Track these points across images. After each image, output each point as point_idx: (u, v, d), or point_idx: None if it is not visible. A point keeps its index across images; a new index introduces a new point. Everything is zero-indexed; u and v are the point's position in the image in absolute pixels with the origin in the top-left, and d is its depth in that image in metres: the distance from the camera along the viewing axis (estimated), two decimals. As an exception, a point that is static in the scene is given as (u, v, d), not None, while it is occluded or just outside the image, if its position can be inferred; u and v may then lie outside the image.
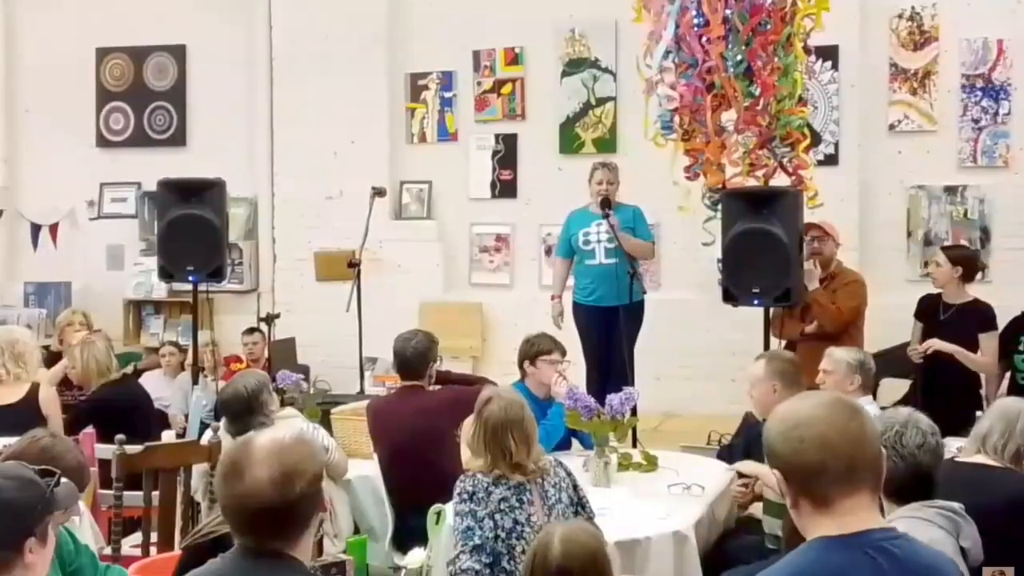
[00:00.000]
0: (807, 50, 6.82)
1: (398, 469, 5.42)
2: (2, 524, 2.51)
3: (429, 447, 5.17)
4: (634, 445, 6.35)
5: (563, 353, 5.87)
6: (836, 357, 5.53)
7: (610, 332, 7.19)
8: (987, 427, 4.00)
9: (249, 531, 2.48)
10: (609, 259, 7.31)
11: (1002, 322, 6.91)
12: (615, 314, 7.11)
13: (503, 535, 3.89)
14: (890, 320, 7.09)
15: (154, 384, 8.47)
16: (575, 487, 4.20)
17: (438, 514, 3.73)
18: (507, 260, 9.20)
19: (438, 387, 5.80)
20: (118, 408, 6.27)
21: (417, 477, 5.15)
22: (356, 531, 5.58)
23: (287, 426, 4.85)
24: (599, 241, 7.36)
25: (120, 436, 4.85)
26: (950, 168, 8.14)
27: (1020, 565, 3.54)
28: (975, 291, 7.11)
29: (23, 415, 5.64)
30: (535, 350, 5.86)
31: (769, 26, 6.39)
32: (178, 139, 10.01)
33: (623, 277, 7.14)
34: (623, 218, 7.28)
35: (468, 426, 4.22)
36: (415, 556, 3.50)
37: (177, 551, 4.15)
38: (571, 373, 6.71)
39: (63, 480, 2.64)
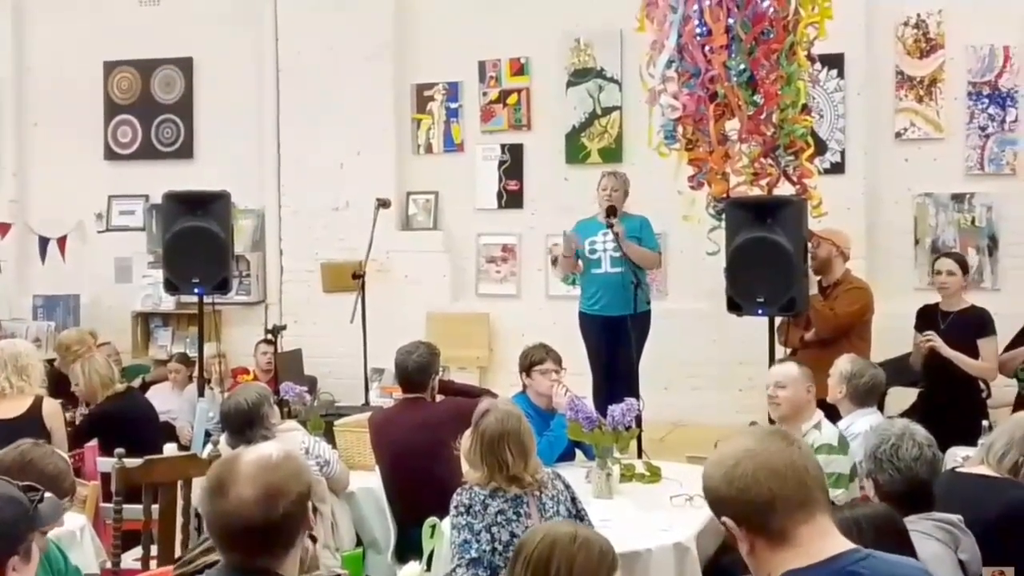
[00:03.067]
0: (811, 58, 6.81)
1: (399, 481, 5.41)
2: None
3: (430, 459, 5.15)
4: (639, 455, 6.33)
5: (557, 361, 5.85)
6: (836, 363, 5.56)
7: (616, 342, 7.18)
8: (993, 438, 3.99)
9: (233, 548, 2.47)
10: (615, 268, 7.29)
11: (1011, 329, 6.90)
12: (621, 323, 7.11)
13: (500, 548, 3.87)
14: (898, 328, 7.05)
15: (162, 397, 8.51)
16: (573, 499, 4.18)
17: (433, 527, 3.72)
18: (514, 270, 9.19)
19: (441, 398, 5.79)
20: (122, 421, 6.28)
21: (418, 489, 5.14)
22: (359, 543, 5.58)
23: (287, 440, 4.85)
24: (604, 250, 7.34)
25: (119, 450, 4.86)
26: (957, 176, 8.09)
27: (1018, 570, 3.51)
28: (982, 298, 7.09)
29: (26, 428, 5.61)
30: (528, 361, 5.86)
31: (772, 35, 6.38)
32: (185, 151, 10.03)
33: (629, 286, 7.12)
34: (630, 227, 7.27)
35: (466, 438, 4.21)
36: (411, 569, 3.48)
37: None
38: (578, 383, 6.73)
39: (47, 496, 2.62)
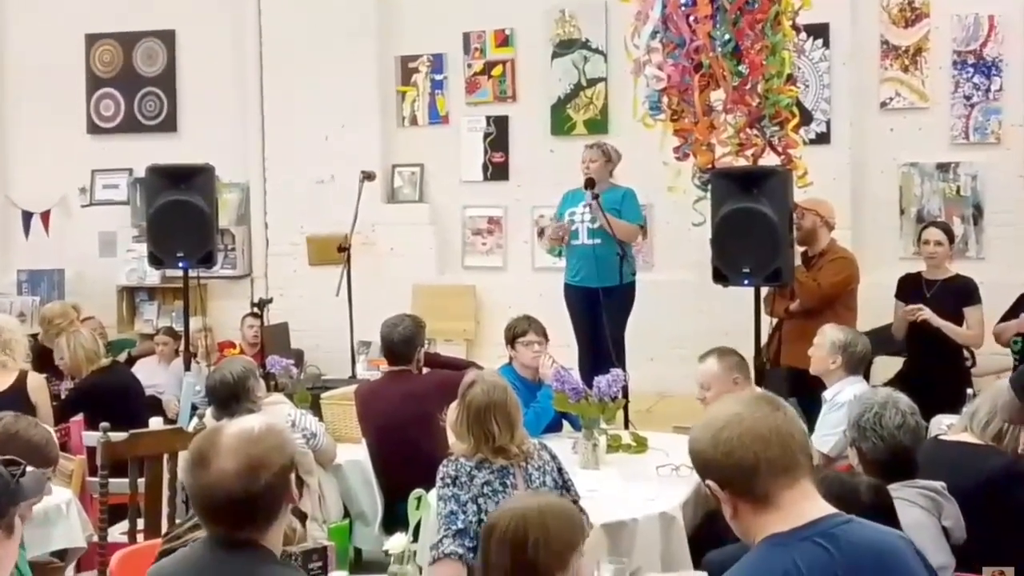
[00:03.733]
0: (796, 28, 6.79)
1: (386, 454, 5.43)
2: None
3: (416, 431, 5.18)
4: (626, 426, 6.35)
5: (541, 333, 5.86)
6: (826, 334, 5.56)
7: (596, 313, 7.17)
8: (976, 405, 4.01)
9: (216, 521, 2.47)
10: (591, 239, 7.25)
11: (996, 298, 6.91)
12: (601, 295, 7.09)
13: (487, 519, 3.87)
14: (883, 298, 7.06)
15: (149, 371, 8.51)
16: (559, 470, 4.20)
17: (419, 499, 3.73)
18: (500, 242, 9.18)
19: (427, 371, 5.80)
20: (107, 394, 6.29)
21: (405, 461, 5.17)
22: (346, 516, 5.60)
23: (272, 413, 4.86)
24: (583, 221, 7.32)
25: (104, 424, 4.85)
26: (942, 145, 8.08)
27: (996, 542, 3.52)
28: (967, 267, 7.12)
29: (11, 403, 5.60)
30: (512, 334, 5.89)
31: (756, 5, 6.36)
32: (169, 125, 9.96)
33: (606, 258, 7.11)
34: (611, 199, 7.23)
35: (452, 410, 4.21)
36: (398, 541, 3.49)
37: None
38: (564, 355, 6.73)
39: (29, 470, 2.61)
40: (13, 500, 2.54)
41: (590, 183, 7.17)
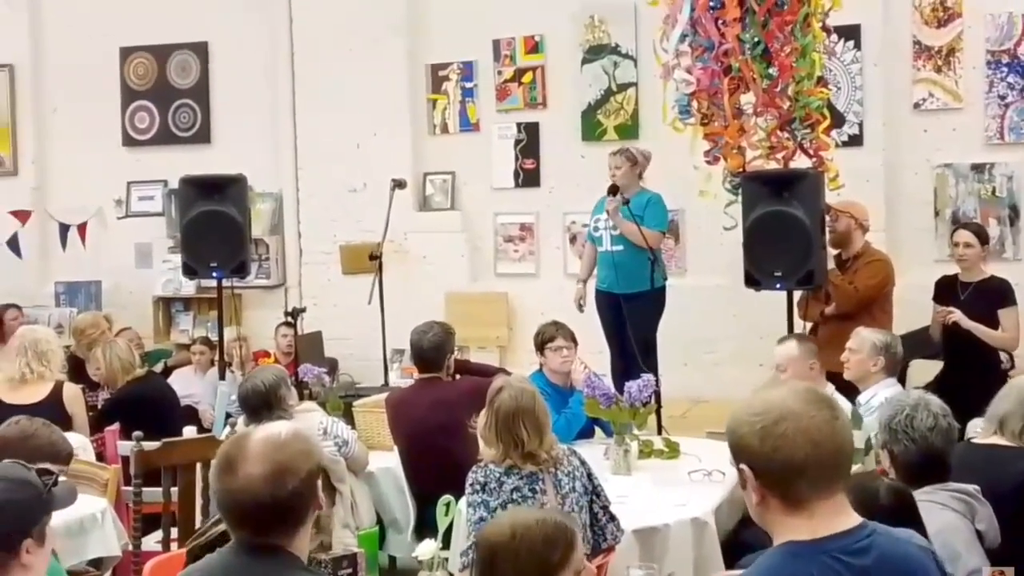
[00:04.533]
0: (826, 30, 6.76)
1: (417, 461, 5.44)
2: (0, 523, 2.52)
3: (446, 438, 5.18)
4: (659, 432, 6.33)
5: (570, 338, 5.85)
6: (863, 336, 5.50)
7: (622, 319, 7.19)
8: (1004, 408, 3.96)
9: (242, 526, 2.49)
10: (614, 246, 7.30)
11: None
12: (626, 301, 7.15)
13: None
14: (918, 301, 7.01)
15: (185, 381, 8.55)
16: (589, 475, 4.18)
17: (447, 505, 3.72)
18: (532, 249, 9.18)
19: (458, 378, 5.79)
20: (142, 404, 6.33)
21: (435, 468, 5.16)
22: (379, 523, 5.60)
23: (304, 421, 4.87)
24: (606, 228, 7.34)
25: (137, 433, 4.88)
26: (977, 146, 8.00)
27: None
28: (1004, 269, 7.04)
29: (47, 413, 5.63)
30: (541, 339, 5.90)
31: (785, 6, 6.33)
32: (203, 136, 10.05)
33: (628, 264, 7.14)
34: (636, 205, 7.22)
35: (482, 416, 4.21)
36: (427, 547, 3.49)
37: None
38: (596, 360, 6.72)
39: (61, 479, 2.64)
40: (46, 509, 2.59)
41: (613, 190, 7.16)
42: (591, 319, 7.50)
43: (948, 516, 3.37)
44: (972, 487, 3.48)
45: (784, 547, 2.20)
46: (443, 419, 5.24)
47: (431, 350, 5.61)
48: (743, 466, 2.23)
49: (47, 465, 2.72)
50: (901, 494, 3.15)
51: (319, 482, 2.54)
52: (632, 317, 7.10)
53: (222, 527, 2.71)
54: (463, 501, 4.15)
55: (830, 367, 6.28)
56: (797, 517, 2.19)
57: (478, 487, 3.94)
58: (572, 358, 5.79)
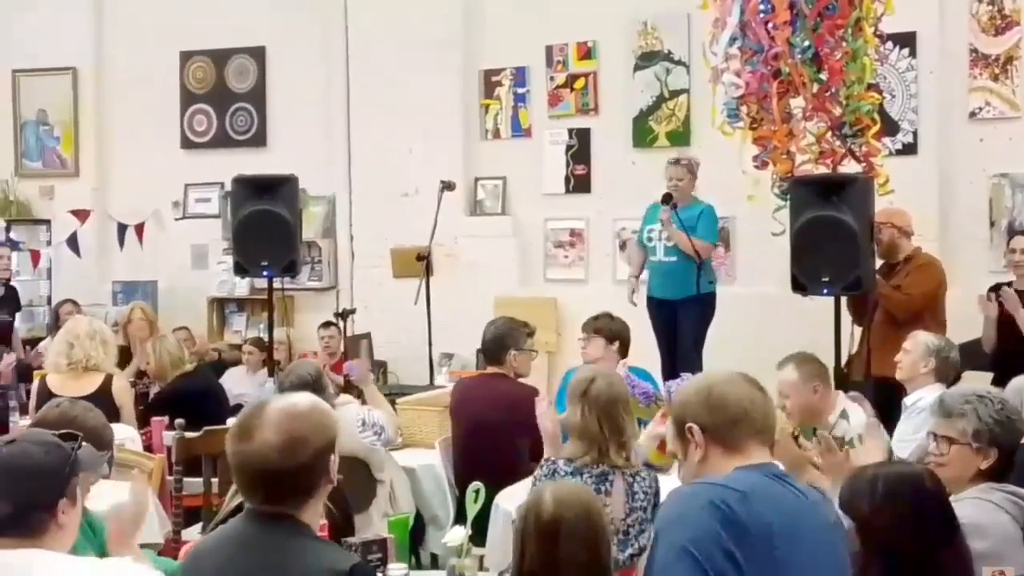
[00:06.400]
0: (880, 36, 6.70)
1: (471, 452, 5.46)
2: (36, 486, 2.61)
3: (505, 435, 5.24)
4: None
5: (594, 330, 5.90)
6: (918, 338, 5.44)
7: (674, 325, 7.29)
8: None
9: (252, 491, 2.54)
10: (668, 256, 7.37)
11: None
12: (678, 307, 7.26)
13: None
14: (972, 312, 6.91)
15: (237, 379, 8.67)
16: (655, 506, 4.00)
17: (476, 492, 3.72)
18: (581, 255, 9.18)
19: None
20: (190, 398, 6.43)
21: (488, 462, 5.17)
22: (419, 520, 5.62)
23: (342, 412, 4.91)
24: (660, 239, 7.41)
25: (179, 420, 4.95)
26: (1035, 156, 7.90)
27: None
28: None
29: (97, 405, 5.76)
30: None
31: (836, 10, 6.28)
32: (259, 139, 10.18)
33: (683, 273, 7.20)
34: (688, 215, 7.23)
35: (570, 408, 4.12)
36: (456, 533, 3.50)
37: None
38: (644, 365, 6.70)
39: (84, 443, 2.73)
40: (74, 470, 2.68)
41: (667, 198, 7.17)
42: (640, 325, 7.46)
43: (1000, 517, 3.30)
44: (1024, 491, 3.40)
45: (734, 469, 2.71)
46: (505, 416, 5.27)
47: (491, 340, 5.67)
48: (691, 424, 2.77)
49: (71, 431, 2.79)
50: (939, 479, 3.10)
51: (333, 457, 2.56)
52: (683, 322, 7.22)
53: (238, 499, 2.76)
54: (503, 493, 4.13)
55: (881, 371, 6.23)
56: (736, 458, 2.74)
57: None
58: (589, 344, 5.86)
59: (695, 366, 6.70)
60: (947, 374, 5.32)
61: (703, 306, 7.23)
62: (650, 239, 7.49)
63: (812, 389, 4.94)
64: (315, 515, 2.58)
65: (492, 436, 5.35)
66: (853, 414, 4.86)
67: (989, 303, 6.62)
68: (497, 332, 5.70)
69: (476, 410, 5.53)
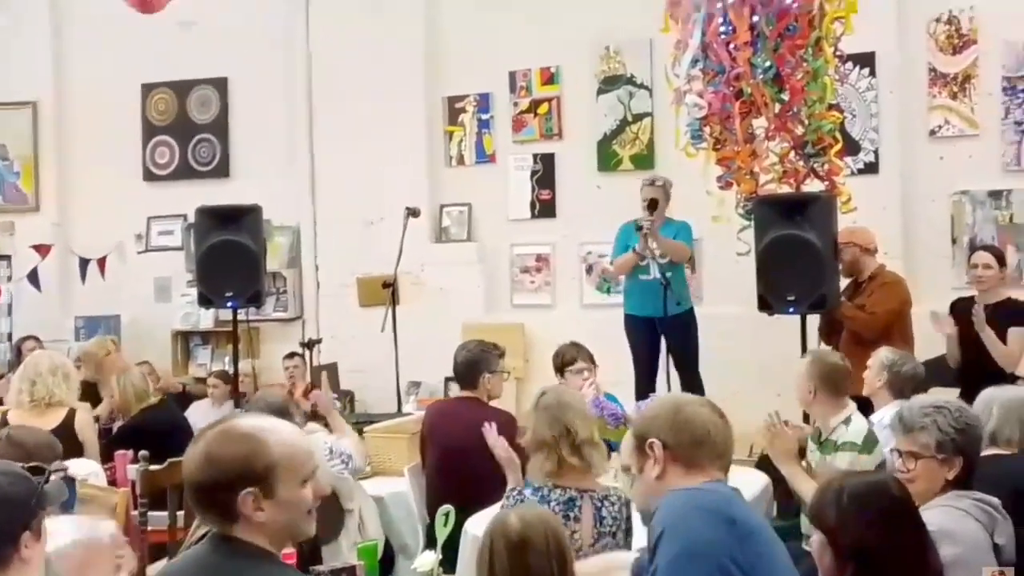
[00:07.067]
0: (840, 56, 6.76)
1: (445, 475, 5.40)
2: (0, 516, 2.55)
3: (479, 460, 5.14)
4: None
5: (588, 359, 5.84)
6: (877, 355, 5.48)
7: (658, 345, 7.36)
8: (991, 427, 3.95)
9: (190, 497, 2.62)
10: (659, 274, 7.34)
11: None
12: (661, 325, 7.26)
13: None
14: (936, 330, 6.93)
15: (202, 413, 8.56)
16: (627, 531, 3.99)
17: (447, 515, 3.68)
18: (548, 280, 9.16)
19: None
20: (155, 431, 6.34)
21: (462, 486, 5.12)
22: (388, 549, 5.56)
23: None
24: (651, 258, 7.31)
25: (144, 452, 4.88)
26: (994, 172, 7.93)
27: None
28: (1020, 296, 6.95)
29: (60, 440, 5.67)
30: (561, 361, 5.88)
31: (797, 30, 6.33)
32: (222, 170, 10.13)
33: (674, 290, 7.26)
34: (667, 233, 7.25)
35: (528, 423, 4.14)
36: (426, 559, 3.46)
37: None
38: (613, 390, 6.68)
39: (52, 477, 2.68)
40: (41, 504, 2.64)
41: (653, 204, 7.10)
42: (608, 348, 7.42)
43: (970, 525, 3.30)
44: (995, 499, 3.41)
45: (698, 484, 2.79)
46: (479, 441, 5.20)
47: (463, 365, 5.63)
48: (653, 440, 2.86)
49: (38, 464, 2.73)
50: (904, 487, 3.11)
51: (252, 489, 2.49)
52: (674, 339, 7.31)
53: (204, 529, 2.73)
54: (473, 519, 4.09)
55: (853, 390, 6.23)
56: (695, 476, 2.81)
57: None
58: (593, 380, 5.76)
59: (696, 383, 6.77)
60: (901, 388, 5.29)
61: (682, 326, 7.25)
62: (643, 258, 7.34)
63: (808, 389, 4.98)
64: (269, 538, 2.53)
65: (466, 461, 5.30)
66: (855, 423, 4.89)
67: (940, 321, 6.63)
68: (470, 356, 5.67)
69: (451, 434, 5.49)
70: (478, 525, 4.45)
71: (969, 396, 6.37)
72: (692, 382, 7.21)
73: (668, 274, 7.17)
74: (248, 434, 2.55)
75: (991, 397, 4.23)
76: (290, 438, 2.60)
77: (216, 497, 2.50)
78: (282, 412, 4.93)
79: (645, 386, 7.24)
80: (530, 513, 3.09)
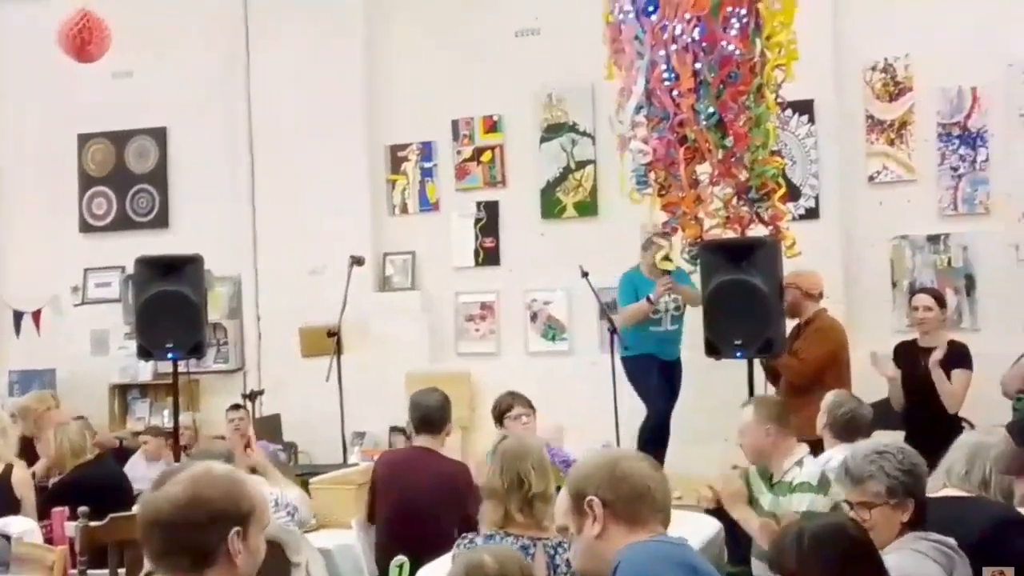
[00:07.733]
0: (780, 104, 6.84)
1: (402, 525, 5.29)
2: None
3: (441, 509, 5.14)
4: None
5: (526, 404, 5.83)
6: (825, 398, 5.47)
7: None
8: (951, 461, 3.96)
9: (146, 546, 2.44)
10: (673, 325, 7.51)
11: (990, 369, 6.79)
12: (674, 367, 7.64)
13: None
14: (878, 372, 6.97)
15: (142, 468, 8.36)
16: None
17: (400, 566, 3.60)
18: (493, 328, 9.13)
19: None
20: (93, 488, 6.15)
21: (420, 536, 5.02)
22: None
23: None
24: (667, 311, 7.42)
25: (83, 508, 4.74)
26: (932, 217, 8.07)
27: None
28: (962, 339, 7.02)
29: (-5, 496, 5.54)
30: (499, 410, 5.87)
31: (739, 77, 6.40)
32: (161, 221, 10.00)
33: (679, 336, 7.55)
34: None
35: (487, 469, 4.08)
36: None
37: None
38: (552, 434, 6.64)
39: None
40: None
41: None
42: (554, 396, 7.39)
43: (929, 567, 3.28)
44: (951, 540, 3.40)
45: (642, 541, 2.69)
46: (438, 492, 5.18)
47: (438, 409, 5.55)
48: (591, 498, 2.72)
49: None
50: (862, 527, 3.10)
51: (238, 529, 2.44)
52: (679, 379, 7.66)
53: None
54: (425, 569, 4.01)
55: (797, 434, 6.25)
56: (639, 533, 2.71)
57: None
58: (532, 424, 5.73)
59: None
60: (841, 432, 5.31)
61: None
62: (656, 311, 7.38)
63: (764, 432, 4.94)
64: None
65: (422, 511, 5.23)
66: (808, 465, 4.88)
67: (880, 362, 6.69)
68: (441, 402, 5.61)
69: (408, 484, 5.38)
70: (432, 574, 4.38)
71: (914, 438, 6.45)
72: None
73: (675, 327, 7.51)
74: (228, 476, 2.51)
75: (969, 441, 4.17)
76: (257, 485, 2.57)
77: (195, 538, 2.42)
78: (228, 463, 4.85)
79: (664, 415, 7.49)
80: (502, 553, 3.04)
